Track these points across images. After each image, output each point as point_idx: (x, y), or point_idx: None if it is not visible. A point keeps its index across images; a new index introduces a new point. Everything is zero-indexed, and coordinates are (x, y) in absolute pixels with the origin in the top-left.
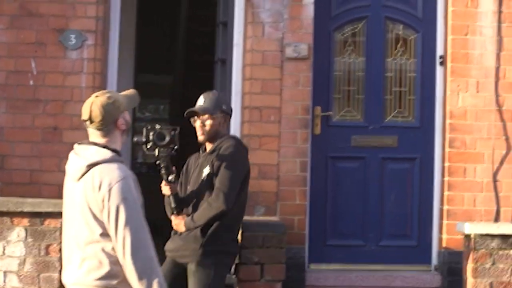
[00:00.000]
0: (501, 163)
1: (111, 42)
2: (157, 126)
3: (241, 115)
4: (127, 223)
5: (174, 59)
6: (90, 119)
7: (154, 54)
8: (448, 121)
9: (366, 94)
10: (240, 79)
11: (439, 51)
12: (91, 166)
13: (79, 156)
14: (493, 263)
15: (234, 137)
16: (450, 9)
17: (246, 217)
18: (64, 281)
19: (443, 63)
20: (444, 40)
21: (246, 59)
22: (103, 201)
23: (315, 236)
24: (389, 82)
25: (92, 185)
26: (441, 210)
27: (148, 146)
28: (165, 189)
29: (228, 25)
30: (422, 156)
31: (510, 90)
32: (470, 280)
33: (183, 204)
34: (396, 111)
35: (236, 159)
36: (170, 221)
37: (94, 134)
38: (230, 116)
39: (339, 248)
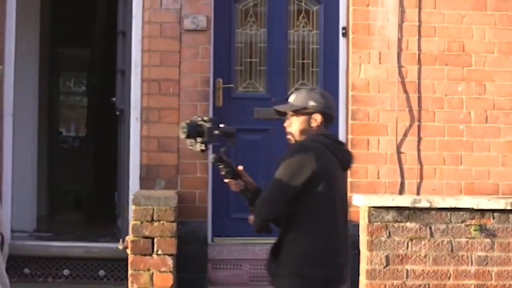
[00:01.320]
0: (405, 135)
1: (8, 14)
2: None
3: (140, 88)
4: None
5: (93, 31)
6: None
7: (73, 27)
8: (350, 93)
9: (268, 66)
10: (139, 51)
11: (342, 23)
12: None
13: None
14: (389, 236)
15: (310, 139)
16: None
17: (140, 191)
18: None
19: (345, 35)
20: (346, 11)
21: (144, 31)
22: None
23: (218, 210)
24: (292, 54)
25: None
26: (347, 183)
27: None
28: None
29: None
30: None
31: (413, 62)
32: (365, 253)
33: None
34: (299, 83)
35: (286, 163)
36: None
37: None
38: (326, 115)
39: (243, 221)
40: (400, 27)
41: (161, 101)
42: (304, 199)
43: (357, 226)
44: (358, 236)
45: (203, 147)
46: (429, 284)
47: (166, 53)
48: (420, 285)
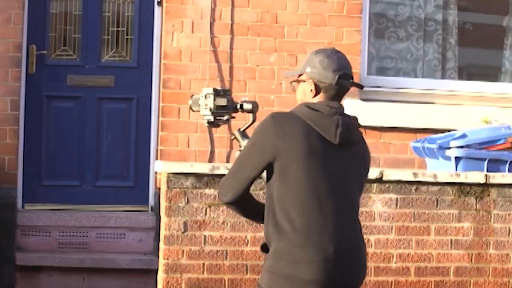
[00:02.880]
0: None
1: None
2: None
3: None
4: None
5: None
6: None
7: None
8: (162, 61)
9: (83, 33)
10: None
11: None
12: None
13: None
14: (187, 202)
15: (290, 111)
16: None
17: None
18: None
19: (160, 3)
20: None
21: None
22: None
23: (29, 176)
24: (107, 21)
25: None
26: (157, 151)
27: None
28: None
29: None
30: (139, 97)
31: (225, 31)
32: (164, 219)
33: None
34: (113, 51)
35: (249, 139)
36: None
37: None
38: (322, 84)
39: (54, 188)
40: None
41: None
42: (272, 183)
43: None
44: None
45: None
46: (227, 250)
47: None
48: (218, 251)
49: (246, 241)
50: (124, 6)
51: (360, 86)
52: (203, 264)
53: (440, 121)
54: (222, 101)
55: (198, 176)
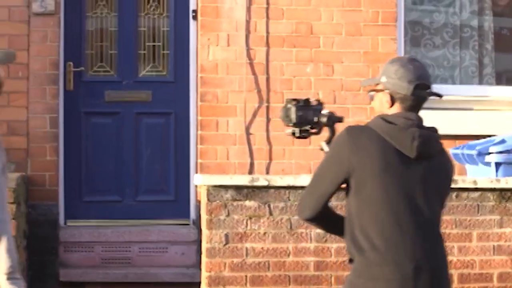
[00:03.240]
0: (254, 116)
1: None
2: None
3: None
4: None
5: None
6: None
7: None
8: (199, 74)
9: (119, 49)
10: None
11: (192, 6)
12: None
13: None
14: (228, 214)
15: (366, 124)
16: None
17: None
18: None
19: (195, 17)
20: None
21: None
22: None
23: (70, 193)
24: (143, 37)
25: None
26: (197, 164)
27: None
28: None
29: None
30: (177, 111)
31: (261, 43)
32: (205, 232)
33: None
34: (150, 66)
35: (327, 151)
36: None
37: None
38: (397, 95)
39: (95, 204)
40: (248, 9)
41: (10, 85)
42: (350, 199)
43: None
44: None
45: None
46: (269, 262)
47: (15, 37)
48: (260, 263)
49: (288, 252)
50: (159, 21)
51: (439, 95)
52: (246, 276)
53: (478, 127)
54: (304, 113)
55: (238, 188)
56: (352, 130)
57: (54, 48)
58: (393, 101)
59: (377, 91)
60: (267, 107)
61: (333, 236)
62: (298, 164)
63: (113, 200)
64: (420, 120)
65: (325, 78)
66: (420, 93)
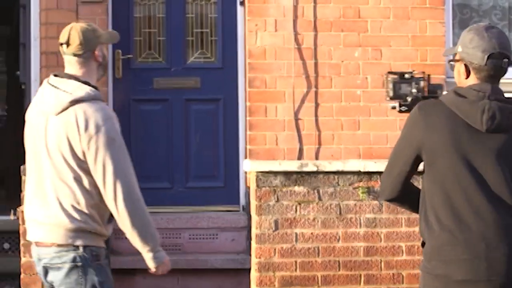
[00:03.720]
0: (302, 101)
1: None
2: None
3: (39, 61)
4: (117, 166)
5: (13, 8)
6: (68, 43)
7: None
8: (247, 60)
9: (167, 36)
10: (38, 24)
11: None
12: (74, 102)
13: (59, 90)
14: (277, 200)
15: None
16: None
17: None
18: (31, 217)
19: (243, 3)
20: None
21: (41, 4)
22: (89, 142)
23: None
24: (190, 23)
25: (76, 123)
26: (246, 150)
27: None
28: None
29: None
30: (225, 97)
31: (308, 28)
32: (255, 218)
33: None
34: (198, 52)
35: (402, 130)
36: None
37: (71, 63)
38: (472, 65)
39: (146, 191)
40: None
41: None
42: (424, 178)
43: None
44: None
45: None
46: (318, 247)
47: (63, 25)
48: (309, 248)
49: (338, 237)
50: (206, 7)
51: None
52: (295, 261)
53: None
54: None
55: (286, 174)
56: (424, 106)
57: None
58: (468, 72)
59: (455, 61)
60: (316, 92)
61: (382, 221)
62: (347, 149)
63: (163, 187)
64: (496, 91)
65: (373, 62)
66: (495, 62)
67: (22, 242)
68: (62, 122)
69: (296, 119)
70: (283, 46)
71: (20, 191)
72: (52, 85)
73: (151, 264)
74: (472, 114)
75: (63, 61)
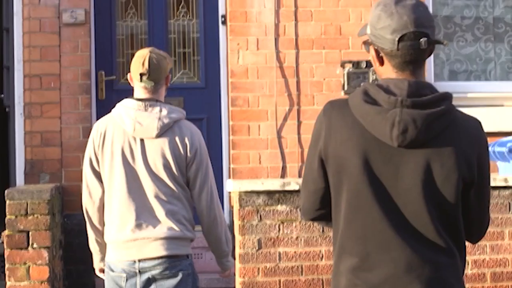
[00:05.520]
0: (285, 119)
1: None
2: None
3: (23, 83)
4: (211, 177)
5: None
6: (147, 72)
7: None
8: (230, 79)
9: None
10: (21, 47)
11: (221, 11)
12: (173, 123)
13: (152, 113)
14: (260, 220)
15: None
16: None
17: (18, 186)
18: (129, 237)
19: (225, 22)
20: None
21: (24, 27)
22: (193, 157)
23: None
24: (173, 43)
25: (180, 141)
26: (229, 170)
27: None
28: None
29: None
30: (209, 116)
31: (290, 46)
32: (238, 237)
33: None
34: (181, 72)
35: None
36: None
37: (144, 89)
38: (381, 50)
39: None
40: (277, 12)
41: (43, 96)
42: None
43: None
44: None
45: None
46: (302, 266)
47: (46, 48)
48: (293, 267)
49: (321, 255)
50: (188, 27)
51: (441, 43)
52: (279, 280)
53: (510, 124)
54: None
55: (269, 193)
56: (329, 108)
57: (85, 58)
58: (381, 58)
59: (367, 44)
60: (298, 110)
61: None
62: None
63: None
64: (416, 89)
65: None
66: (410, 45)
67: (7, 266)
68: (164, 142)
69: (279, 137)
70: (265, 64)
71: (4, 215)
72: (143, 110)
73: (225, 267)
74: (380, 127)
75: (46, 83)
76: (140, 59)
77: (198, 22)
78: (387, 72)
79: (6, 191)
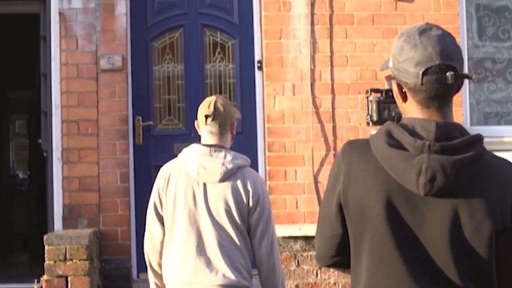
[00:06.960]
0: (321, 164)
1: None
2: None
3: (60, 129)
4: (272, 226)
5: (35, 73)
6: (213, 116)
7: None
8: (266, 125)
9: (186, 102)
10: (59, 93)
11: (257, 56)
12: (237, 169)
13: (217, 158)
14: (298, 265)
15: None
16: (263, 13)
17: (57, 231)
18: (187, 281)
19: (261, 68)
20: (260, 45)
21: (62, 73)
22: (256, 204)
23: (142, 247)
24: (209, 88)
25: (243, 188)
26: None
27: None
28: None
29: (46, 40)
30: None
31: (326, 91)
32: None
33: None
34: None
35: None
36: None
37: (210, 134)
38: (404, 84)
39: None
40: (313, 58)
41: (80, 141)
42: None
43: None
44: None
45: None
46: None
47: (84, 94)
48: None
49: None
50: (225, 72)
51: (469, 77)
52: None
53: None
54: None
55: (306, 238)
56: (348, 149)
57: (122, 103)
58: (404, 94)
59: (391, 79)
60: (334, 155)
61: None
62: None
63: None
64: (445, 131)
65: None
66: (436, 79)
67: None
68: (227, 187)
69: (316, 182)
70: (301, 110)
71: (44, 259)
72: (208, 155)
73: None
74: (405, 174)
75: (84, 128)
76: (207, 103)
77: (234, 67)
78: (410, 109)
79: (44, 236)
